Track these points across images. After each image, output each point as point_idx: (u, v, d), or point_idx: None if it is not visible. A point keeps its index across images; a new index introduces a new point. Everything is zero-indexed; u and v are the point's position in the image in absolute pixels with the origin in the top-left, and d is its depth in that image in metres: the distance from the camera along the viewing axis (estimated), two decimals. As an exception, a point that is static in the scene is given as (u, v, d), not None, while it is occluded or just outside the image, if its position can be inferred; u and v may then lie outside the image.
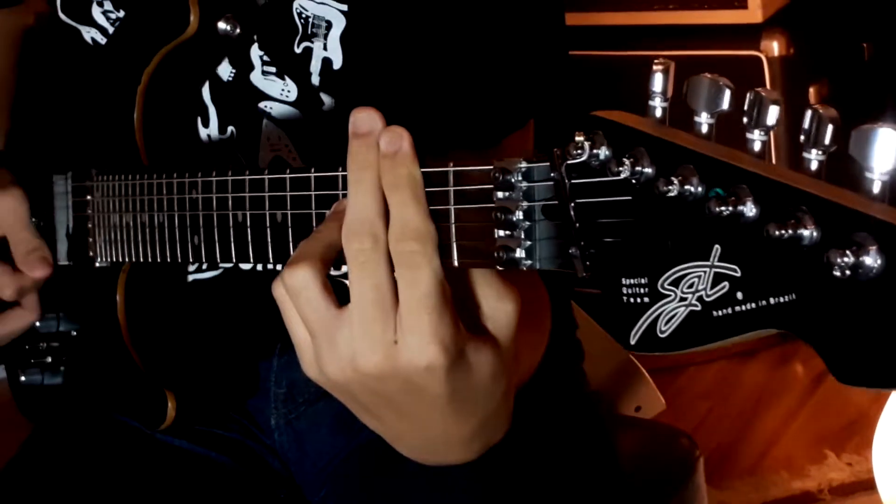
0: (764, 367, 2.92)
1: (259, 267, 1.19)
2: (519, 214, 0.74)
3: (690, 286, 0.64)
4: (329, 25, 1.17)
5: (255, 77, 1.20)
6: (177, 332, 1.22)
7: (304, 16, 1.18)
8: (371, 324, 0.78)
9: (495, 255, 0.75)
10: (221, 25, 1.16)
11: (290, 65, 1.19)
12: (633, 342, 0.68)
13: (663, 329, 0.66)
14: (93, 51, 1.28)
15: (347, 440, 1.24)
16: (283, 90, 1.20)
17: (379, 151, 0.79)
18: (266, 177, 0.92)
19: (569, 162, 0.70)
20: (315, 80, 1.19)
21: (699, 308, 0.64)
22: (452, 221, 0.78)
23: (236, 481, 1.27)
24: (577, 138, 0.69)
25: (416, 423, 0.86)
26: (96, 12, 1.26)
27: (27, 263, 1.22)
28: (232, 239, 0.97)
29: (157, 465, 1.26)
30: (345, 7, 1.16)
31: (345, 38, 1.17)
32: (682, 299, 0.65)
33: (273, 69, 1.19)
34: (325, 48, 1.18)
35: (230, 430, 1.29)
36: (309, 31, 1.18)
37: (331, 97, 1.19)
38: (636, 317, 0.68)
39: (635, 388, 2.47)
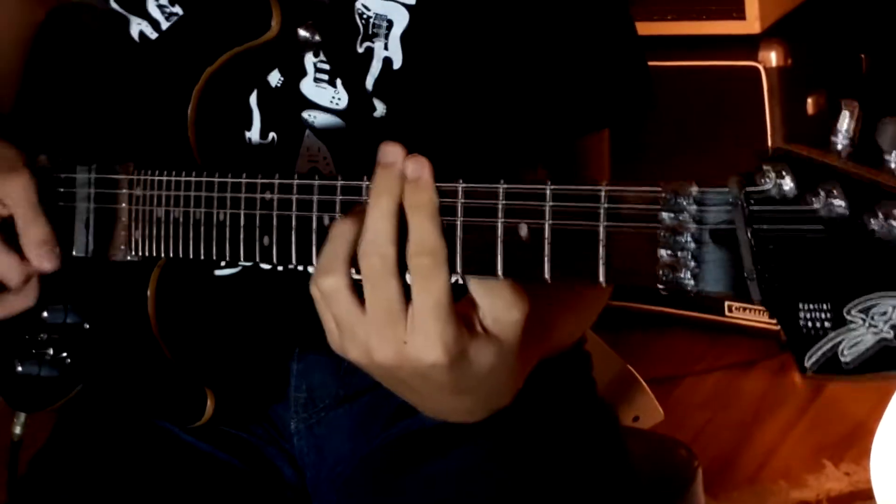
0: (762, 378, 2.94)
1: (280, 266, 1.19)
2: (687, 237, 0.75)
3: (883, 314, 0.65)
4: (390, 25, 1.18)
5: (306, 84, 1.21)
6: (203, 329, 1.21)
7: (364, 16, 1.18)
8: (382, 327, 0.90)
9: (659, 273, 0.76)
10: (302, 32, 1.17)
11: (348, 67, 1.19)
12: (808, 365, 0.69)
13: (846, 354, 0.67)
14: (139, 44, 1.28)
15: (364, 447, 1.25)
16: (333, 97, 1.20)
17: (399, 182, 0.89)
18: (364, 183, 0.94)
19: (748, 189, 0.71)
20: (370, 83, 1.19)
21: (892, 336, 0.65)
22: (602, 240, 0.80)
23: (249, 487, 1.27)
24: (765, 167, 0.70)
25: (425, 398, 0.98)
26: (151, 5, 1.27)
27: (37, 256, 1.20)
28: (314, 242, 0.98)
29: (176, 465, 1.26)
30: (412, 1, 1.17)
31: (406, 37, 1.18)
32: (872, 327, 0.65)
33: (326, 76, 1.20)
34: (385, 48, 1.19)
35: (251, 433, 1.29)
36: (370, 31, 1.18)
37: (383, 103, 1.20)
38: (813, 341, 0.68)
39: (634, 399, 2.48)
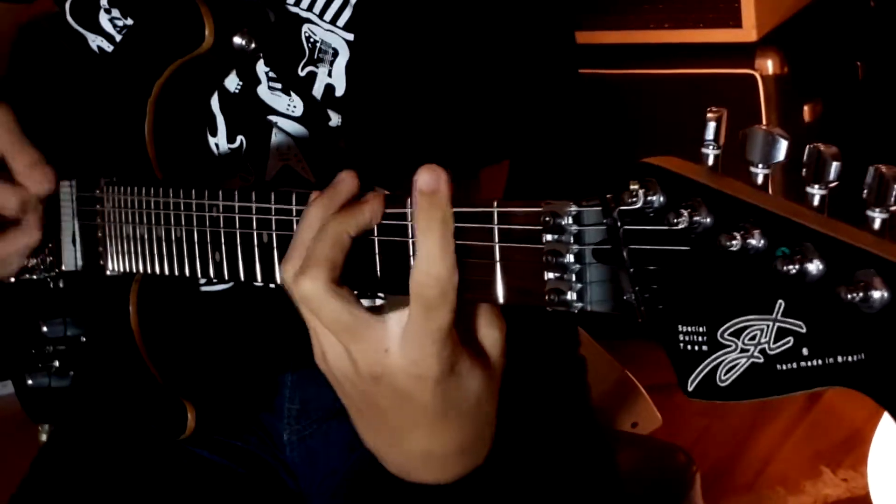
0: (760, 384, 2.92)
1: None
2: (569, 257, 0.75)
3: (752, 338, 0.65)
4: (336, 53, 1.18)
5: (262, 91, 1.21)
6: (190, 343, 1.22)
7: (311, 40, 1.19)
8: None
9: (546, 297, 0.76)
10: (237, 40, 1.16)
11: (294, 83, 1.20)
12: (690, 389, 0.69)
13: (723, 378, 0.67)
14: (98, 59, 1.28)
15: (355, 457, 1.25)
16: (289, 105, 1.20)
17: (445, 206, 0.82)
18: (294, 206, 0.94)
19: (622, 208, 0.71)
20: (318, 96, 1.20)
21: (762, 360, 0.64)
22: (497, 259, 0.79)
23: (252, 493, 1.27)
24: (632, 186, 0.70)
25: (400, 434, 0.90)
26: (104, 19, 1.27)
27: (30, 178, 1.19)
28: (257, 258, 0.98)
29: (177, 470, 1.27)
30: (350, 37, 1.17)
31: (350, 68, 1.18)
32: (744, 350, 0.65)
33: (279, 85, 1.20)
34: (329, 75, 1.19)
35: (248, 442, 1.30)
36: (315, 56, 1.19)
37: (337, 114, 1.20)
38: (694, 364, 0.68)
39: (632, 405, 2.48)
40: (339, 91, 1.19)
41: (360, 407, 0.91)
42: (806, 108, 2.87)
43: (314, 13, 1.18)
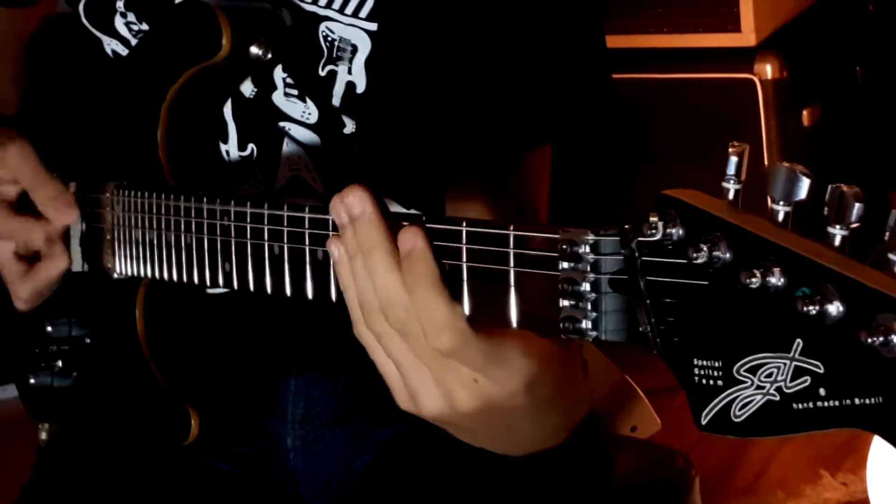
0: (759, 388, 2.93)
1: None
2: (585, 286, 0.74)
3: (769, 376, 0.64)
4: (355, 50, 1.18)
5: (277, 97, 1.21)
6: (195, 348, 1.22)
7: (329, 38, 1.18)
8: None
9: (561, 325, 0.76)
10: (254, 50, 1.16)
11: (313, 87, 1.19)
12: (704, 423, 0.69)
13: (738, 414, 0.67)
14: (112, 63, 1.28)
15: (357, 462, 1.26)
16: (304, 112, 1.20)
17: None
18: (307, 215, 0.94)
19: (640, 239, 0.71)
20: (336, 102, 1.19)
21: (777, 398, 0.64)
22: (512, 283, 0.79)
23: (252, 498, 1.27)
24: (652, 218, 0.70)
25: (506, 437, 0.93)
26: (119, 23, 1.27)
27: (52, 210, 1.21)
28: (267, 270, 0.98)
29: (179, 476, 1.27)
30: (374, 27, 1.17)
31: (370, 63, 1.18)
32: (760, 387, 0.65)
33: (295, 91, 1.20)
34: (349, 72, 1.18)
35: (250, 448, 1.30)
36: (334, 55, 1.18)
37: (352, 120, 1.20)
38: (708, 398, 0.68)
39: (631, 409, 2.48)
40: (360, 87, 1.18)
41: (459, 428, 0.92)
42: (805, 112, 2.88)
43: (333, 9, 1.17)
